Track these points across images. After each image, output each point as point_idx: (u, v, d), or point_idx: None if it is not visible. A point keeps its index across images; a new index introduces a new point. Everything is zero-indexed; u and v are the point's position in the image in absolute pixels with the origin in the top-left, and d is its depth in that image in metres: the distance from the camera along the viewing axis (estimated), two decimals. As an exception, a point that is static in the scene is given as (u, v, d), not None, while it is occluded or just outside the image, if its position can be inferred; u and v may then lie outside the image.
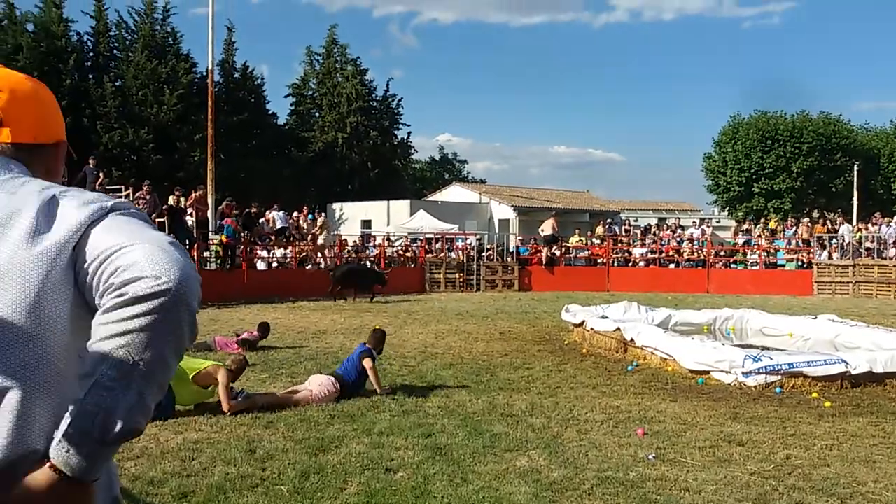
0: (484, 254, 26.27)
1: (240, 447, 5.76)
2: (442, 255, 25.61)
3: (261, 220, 22.20)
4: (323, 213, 25.95)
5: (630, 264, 26.56)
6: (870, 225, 26.75)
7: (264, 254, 21.73)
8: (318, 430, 6.32)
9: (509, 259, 25.91)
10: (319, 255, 22.32)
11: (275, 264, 21.86)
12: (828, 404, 7.49)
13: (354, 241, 27.11)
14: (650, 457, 5.68)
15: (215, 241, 20.21)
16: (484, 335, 12.78)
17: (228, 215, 20.17)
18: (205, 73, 33.54)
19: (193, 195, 19.91)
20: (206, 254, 20.15)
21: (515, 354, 10.71)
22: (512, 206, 42.55)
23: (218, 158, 26.68)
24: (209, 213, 21.18)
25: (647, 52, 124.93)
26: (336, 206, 41.94)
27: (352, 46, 59.45)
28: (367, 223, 38.12)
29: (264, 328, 10.94)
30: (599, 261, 25.98)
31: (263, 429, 6.34)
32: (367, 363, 7.68)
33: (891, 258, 23.65)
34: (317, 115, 48.57)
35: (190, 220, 19.51)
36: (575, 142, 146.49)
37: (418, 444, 5.93)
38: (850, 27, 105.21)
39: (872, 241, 24.61)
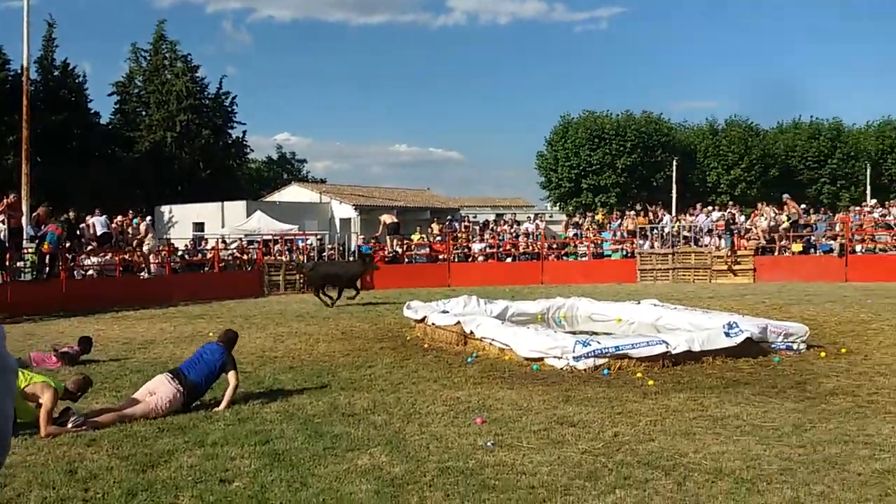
0: (325, 254, 25.92)
1: (59, 468, 5.32)
2: (281, 256, 25.03)
3: (81, 227, 20.69)
4: (149, 217, 24.57)
5: (470, 259, 27.12)
6: (687, 216, 28.76)
7: (88, 261, 20.28)
8: (146, 446, 5.95)
9: (351, 258, 25.73)
10: (146, 261, 21.05)
11: (94, 273, 20.42)
12: (651, 383, 7.94)
13: (185, 245, 25.94)
14: (489, 444, 5.78)
15: (30, 250, 18.65)
16: (325, 336, 12.58)
17: (45, 222, 18.66)
18: (20, 71, 30.88)
19: (5, 201, 18.26)
20: (20, 263, 18.56)
21: (357, 353, 10.61)
22: (353, 205, 42.31)
23: (34, 162, 24.67)
24: (23, 220, 19.51)
25: (483, 55, 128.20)
26: (165, 208, 39.97)
27: (183, 43, 56.85)
28: (199, 226, 36.54)
29: (86, 342, 10.18)
30: (440, 257, 26.34)
31: (85, 447, 5.89)
32: (232, 378, 7.28)
33: (706, 246, 25.55)
34: (143, 113, 46.12)
35: (1, 228, 17.87)
36: (415, 141, 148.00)
37: (255, 451, 5.72)
38: (670, 34, 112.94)
39: (690, 231, 26.49)
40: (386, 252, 25.18)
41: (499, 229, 29.49)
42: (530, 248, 27.27)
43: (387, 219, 25.18)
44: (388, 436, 6.13)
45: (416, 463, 5.37)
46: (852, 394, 7.28)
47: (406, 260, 26.06)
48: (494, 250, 27.39)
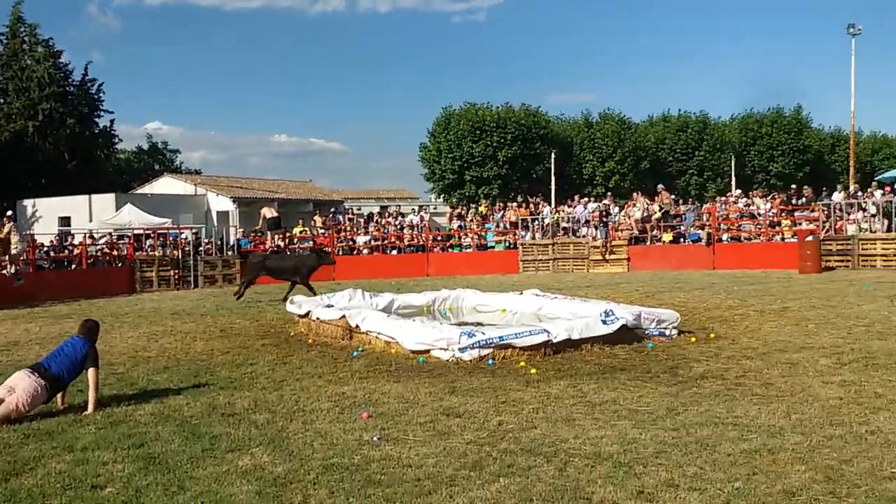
0: (201, 248, 25.05)
1: None
2: (154, 251, 24.00)
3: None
4: (10, 212, 22.99)
5: (355, 252, 26.92)
6: (566, 207, 29.58)
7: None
8: (10, 453, 5.58)
9: (230, 253, 25.00)
10: (16, 265, 19.58)
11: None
12: (533, 371, 8.10)
13: (50, 241, 24.44)
14: (375, 438, 5.73)
15: None
16: (203, 334, 12.15)
17: None
18: None
19: None
20: None
21: (238, 351, 10.30)
22: (231, 197, 41.13)
23: None
24: None
25: (364, 43, 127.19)
26: (28, 202, 37.59)
27: (43, 26, 53.29)
28: (65, 220, 34.53)
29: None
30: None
31: (-64, 460, 5.43)
32: (92, 375, 6.89)
33: (584, 236, 26.35)
34: (2, 102, 43.10)
35: None
36: (296, 130, 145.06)
37: (129, 455, 5.45)
38: (546, 25, 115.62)
39: (568, 222, 27.26)
40: (267, 246, 24.59)
41: (383, 222, 29.40)
42: (415, 240, 27.33)
43: (266, 212, 24.59)
44: (270, 435, 5.97)
45: (300, 461, 5.26)
46: (721, 377, 7.66)
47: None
48: (379, 243, 27.29)
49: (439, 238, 28.22)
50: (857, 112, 39.52)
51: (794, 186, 28.93)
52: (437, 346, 8.99)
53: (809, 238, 21.37)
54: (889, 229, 22.24)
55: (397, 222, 29.18)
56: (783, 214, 25.12)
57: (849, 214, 23.51)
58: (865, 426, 5.68)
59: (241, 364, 9.26)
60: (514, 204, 29.39)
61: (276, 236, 24.80)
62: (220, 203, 40.89)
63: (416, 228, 28.16)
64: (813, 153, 53.11)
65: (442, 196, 50.35)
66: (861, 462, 4.89)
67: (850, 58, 37.13)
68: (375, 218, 30.59)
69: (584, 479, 4.76)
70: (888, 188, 25.13)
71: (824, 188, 29.11)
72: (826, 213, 23.71)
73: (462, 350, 8.74)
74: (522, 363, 8.54)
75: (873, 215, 23.09)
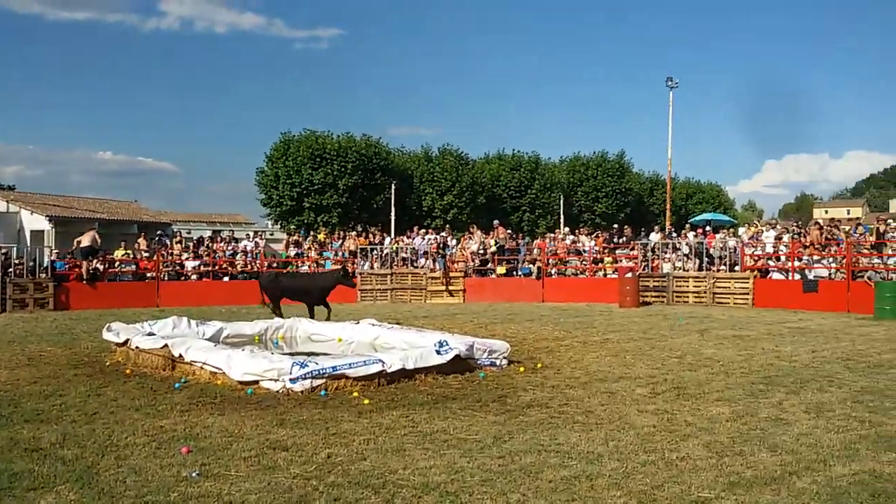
0: (11, 269, 23.03)
1: None
2: (-44, 272, 21.79)
3: None
4: None
5: (182, 277, 25.69)
6: (405, 238, 29.82)
7: None
8: None
9: (43, 275, 23.14)
10: None
11: None
12: (367, 402, 8.02)
13: None
14: (194, 474, 5.43)
15: None
16: (8, 362, 11.12)
17: None
18: None
19: None
20: None
21: (46, 381, 9.48)
22: (47, 216, 38.24)
23: None
24: None
25: (200, 63, 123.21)
26: None
27: None
28: None
29: None
30: (149, 275, 24.66)
31: None
32: None
33: (422, 266, 26.65)
34: None
35: None
36: (123, 148, 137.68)
37: None
38: (389, 59, 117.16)
39: (407, 252, 27.48)
40: (82, 271, 22.97)
41: (215, 246, 28.34)
42: (249, 266, 26.52)
43: (84, 239, 23.03)
44: (78, 471, 5.52)
45: (110, 499, 4.90)
46: (546, 405, 7.92)
47: (108, 278, 24.01)
48: (210, 268, 26.25)
49: (275, 265, 27.53)
50: (673, 159, 42.87)
51: (615, 226, 30.76)
52: (266, 377, 8.70)
53: (629, 275, 22.74)
54: (700, 268, 24.10)
55: (230, 247, 28.22)
56: (606, 252, 26.61)
57: (664, 253, 25.27)
58: (676, 452, 6.04)
59: (50, 395, 8.53)
60: (354, 233, 29.27)
61: (90, 262, 23.20)
62: (34, 222, 37.92)
63: (250, 254, 27.35)
64: (633, 195, 56.94)
65: (279, 223, 49.35)
66: (671, 487, 5.18)
67: (668, 108, 40.27)
68: (206, 242, 29.41)
69: (412, 511, 4.73)
70: (700, 230, 27.30)
71: (643, 228, 31.22)
72: (644, 251, 25.37)
73: (293, 381, 8.51)
74: (356, 393, 8.44)
75: (686, 255, 24.96)
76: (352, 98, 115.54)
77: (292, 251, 28.45)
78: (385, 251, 27.33)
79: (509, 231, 29.69)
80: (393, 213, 41.99)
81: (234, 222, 59.78)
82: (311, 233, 32.94)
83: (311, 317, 15.55)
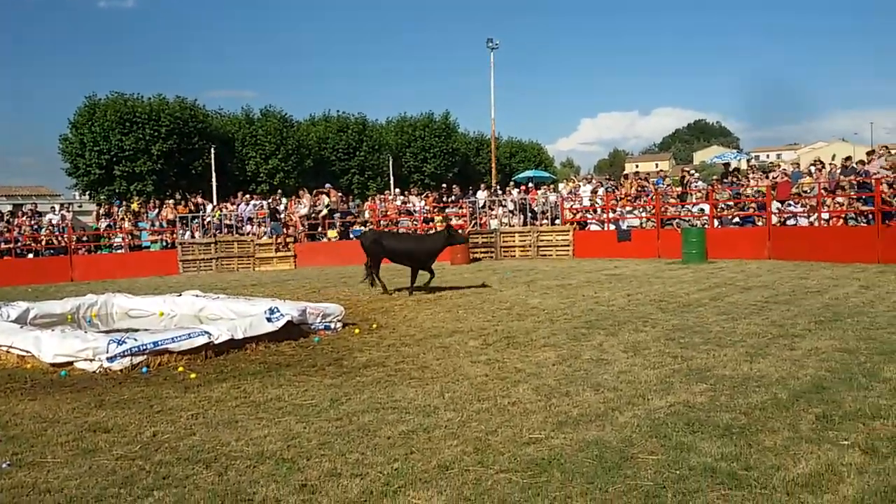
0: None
1: None
2: None
3: None
4: None
5: (-21, 257, 23.41)
6: (229, 204, 28.72)
7: None
8: None
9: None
10: None
11: None
12: (193, 376, 7.65)
13: None
14: (4, 465, 4.97)
15: None
16: None
17: None
18: None
19: None
20: None
21: None
22: None
23: None
24: None
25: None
26: None
27: None
28: None
29: None
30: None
31: None
32: None
33: (248, 234, 25.81)
34: None
35: None
36: None
37: None
38: (200, 21, 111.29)
39: (232, 220, 26.49)
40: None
41: (17, 222, 25.99)
42: (56, 241, 24.56)
43: None
44: None
45: None
46: (382, 364, 7.91)
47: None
48: (11, 245, 24.07)
49: (85, 238, 25.71)
50: (496, 119, 43.93)
51: (444, 185, 31.22)
52: (81, 357, 8.08)
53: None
54: (525, 223, 25.01)
55: (34, 222, 25.99)
56: (436, 211, 26.98)
57: (491, 210, 25.99)
58: (508, 398, 6.22)
59: None
60: (172, 201, 27.80)
61: None
62: None
63: (56, 228, 25.33)
64: (460, 155, 57.96)
65: (87, 193, 45.96)
66: (505, 431, 5.32)
67: (489, 69, 41.09)
68: (7, 217, 26.91)
69: (246, 481, 4.56)
70: (523, 187, 28.27)
71: (470, 187, 31.84)
72: (472, 209, 25.96)
73: (111, 359, 7.96)
74: (181, 368, 8.03)
75: (511, 211, 25.81)
76: (163, 60, 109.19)
77: (103, 223, 26.66)
78: (207, 219, 26.21)
79: (340, 194, 29.35)
80: (214, 179, 40.19)
81: (37, 195, 55.11)
82: (125, 203, 30.94)
83: (413, 283, 14.60)
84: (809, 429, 5.06)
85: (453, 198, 27.72)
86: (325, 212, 26.55)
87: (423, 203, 27.73)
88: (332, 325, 10.31)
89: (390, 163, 50.39)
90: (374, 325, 10.63)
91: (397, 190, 34.05)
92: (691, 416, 5.46)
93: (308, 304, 10.58)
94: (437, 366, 7.70)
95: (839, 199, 18.53)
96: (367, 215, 26.84)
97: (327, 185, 28.78)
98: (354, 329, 10.30)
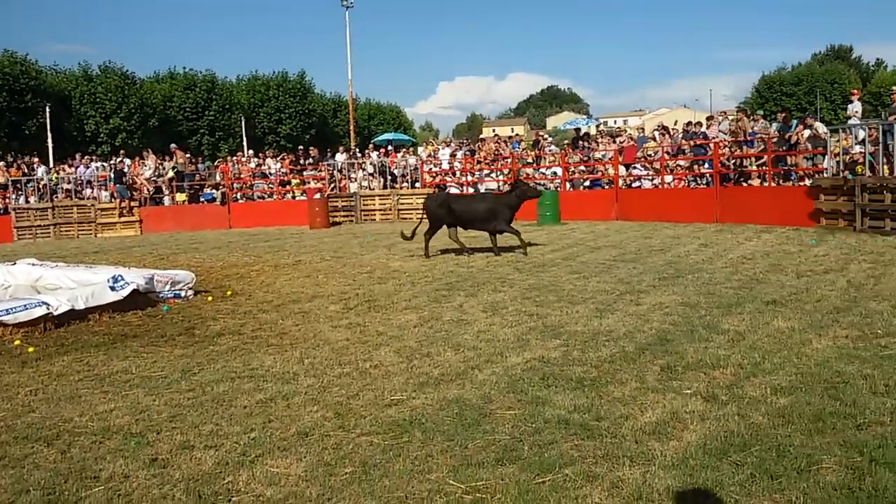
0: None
1: None
2: None
3: None
4: None
5: None
6: (66, 166, 26.85)
7: None
8: None
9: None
10: None
11: None
12: (31, 350, 7.12)
13: None
14: None
15: None
16: None
17: None
18: None
19: None
20: None
21: None
22: None
23: None
24: None
25: None
26: None
27: None
28: None
29: None
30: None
31: None
32: None
33: (89, 198, 24.25)
34: None
35: None
36: None
37: None
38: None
39: (70, 183, 24.78)
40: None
41: None
42: None
43: None
44: None
45: None
46: (238, 332, 7.66)
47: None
48: None
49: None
50: (354, 80, 43.27)
51: (301, 147, 30.60)
52: None
53: (317, 196, 22.81)
54: (385, 186, 24.90)
55: None
56: (293, 174, 26.37)
57: (351, 174, 25.69)
58: (369, 362, 6.18)
59: None
60: (3, 164, 25.65)
61: None
62: None
63: None
64: (317, 117, 56.84)
65: None
66: (366, 394, 5.28)
67: (345, 28, 40.30)
68: None
69: (92, 458, 4.28)
70: (382, 150, 28.09)
71: (328, 150, 31.32)
72: (331, 172, 25.56)
73: (-67, 334, 7.27)
74: (18, 342, 7.45)
75: (371, 174, 25.62)
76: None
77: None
78: (43, 182, 24.40)
79: (188, 155, 28.05)
80: (50, 140, 37.40)
81: None
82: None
83: (495, 245, 13.41)
84: (655, 379, 5.34)
85: (311, 160, 27.17)
86: (171, 174, 25.33)
87: (279, 165, 27.01)
88: (183, 293, 9.88)
89: (243, 123, 48.75)
90: (229, 292, 10.28)
91: (251, 152, 32.93)
92: (546, 371, 5.62)
93: (156, 271, 10.09)
94: (297, 332, 7.55)
95: (681, 163, 19.61)
96: (218, 178, 25.84)
97: (172, 146, 27.39)
98: (207, 297, 9.93)
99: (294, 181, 26.09)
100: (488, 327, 7.28)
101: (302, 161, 27.25)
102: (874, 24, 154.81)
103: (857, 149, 15.20)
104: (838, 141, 15.74)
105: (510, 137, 27.55)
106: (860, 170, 14.64)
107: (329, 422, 4.75)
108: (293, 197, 25.47)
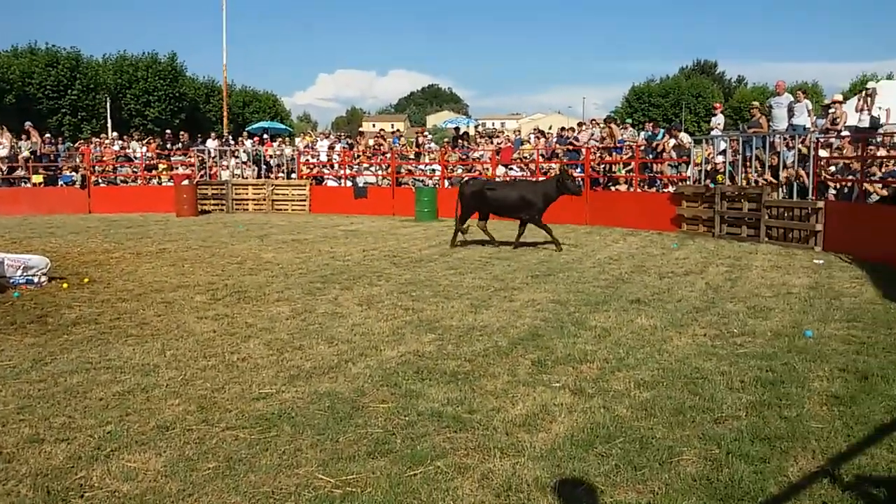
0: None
1: None
2: None
3: None
4: None
5: None
6: None
7: None
8: None
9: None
10: None
11: None
12: None
13: None
14: None
15: None
16: None
17: None
18: None
19: None
20: None
21: None
22: None
23: None
24: None
25: None
26: None
27: None
28: None
29: None
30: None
31: None
32: None
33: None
34: None
35: None
36: None
37: None
38: None
39: None
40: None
41: None
42: None
43: None
44: None
45: None
46: (95, 321, 7.21)
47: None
48: None
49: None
50: (229, 65, 41.88)
51: (169, 132, 29.27)
52: None
53: (185, 182, 21.93)
54: (259, 176, 24.24)
55: None
56: (160, 159, 25.24)
57: (223, 161, 24.85)
58: (237, 354, 5.95)
59: None
60: None
61: None
62: None
63: None
64: (189, 101, 54.64)
65: None
66: (232, 388, 5.08)
67: (221, 12, 38.88)
68: None
69: (-79, 457, 3.89)
70: (257, 138, 27.33)
71: (200, 135, 30.11)
72: (201, 158, 24.63)
73: None
74: None
75: (245, 163, 24.87)
76: None
77: None
78: None
79: (47, 135, 26.25)
80: None
81: None
82: None
83: (519, 237, 13.19)
84: (526, 373, 5.42)
85: (180, 145, 26.08)
86: (25, 154, 23.66)
87: (144, 149, 25.78)
88: (36, 279, 9.24)
89: (108, 104, 46.25)
90: (86, 280, 9.68)
91: (115, 134, 31.24)
92: (420, 365, 5.60)
93: (6, 255, 9.39)
94: (159, 322, 7.19)
95: (554, 166, 20.14)
96: (78, 160, 24.36)
97: (27, 124, 25.54)
98: (62, 283, 9.32)
99: (161, 166, 24.98)
100: (363, 321, 7.19)
101: (170, 145, 26.10)
102: (738, 42, 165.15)
103: (719, 159, 16.08)
104: (701, 151, 16.62)
105: (392, 133, 27.41)
106: (721, 179, 15.52)
107: (192, 415, 4.53)
108: (159, 182, 24.39)
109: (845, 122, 14.86)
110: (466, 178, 18.12)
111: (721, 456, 3.88)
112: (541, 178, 17.28)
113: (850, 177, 13.35)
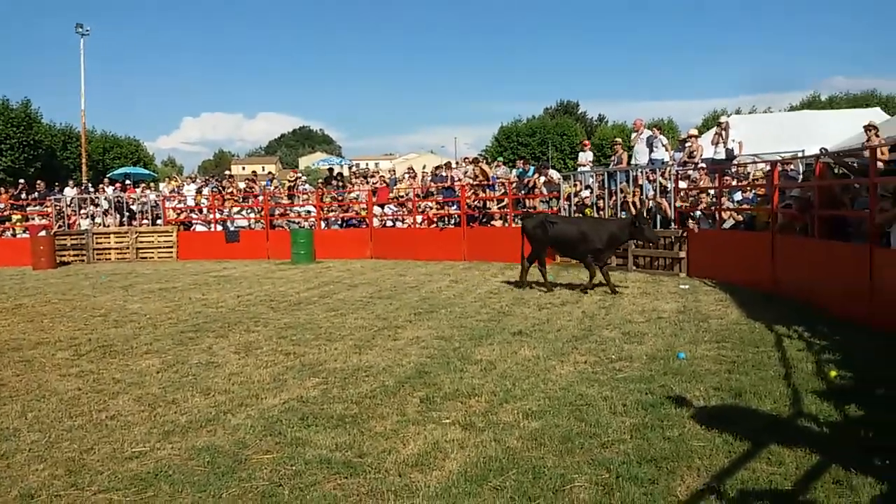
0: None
1: None
2: None
3: None
4: None
5: None
6: None
7: None
8: None
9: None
10: None
11: None
12: None
13: None
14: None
15: None
16: None
17: None
18: None
19: None
20: None
21: None
22: None
23: None
24: None
25: None
26: None
27: None
28: None
29: None
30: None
31: None
32: None
33: None
34: None
35: None
36: None
37: None
38: None
39: None
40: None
41: None
42: None
43: None
44: None
45: None
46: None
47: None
48: None
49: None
50: (88, 111, 40.05)
51: (22, 181, 27.59)
52: None
53: (42, 233, 20.65)
54: (121, 223, 23.14)
55: None
56: (14, 210, 23.70)
57: (82, 209, 23.58)
58: (105, 412, 5.56)
59: None
60: None
61: None
62: None
63: None
64: (45, 148, 51.73)
65: None
66: (103, 448, 4.73)
67: (80, 57, 37.32)
68: None
69: None
70: (119, 185, 26.14)
71: (57, 183, 28.49)
72: (59, 208, 23.29)
73: None
74: None
75: (106, 211, 23.69)
76: None
77: None
78: None
79: None
80: None
81: None
82: None
83: (592, 277, 11.67)
84: (415, 411, 5.33)
85: (36, 194, 24.59)
86: None
87: (-4, 200, 24.13)
88: None
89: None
90: (-69, 341, 8.86)
91: (-36, 184, 29.12)
92: (305, 411, 5.41)
93: None
94: (17, 382, 6.63)
95: (429, 203, 20.33)
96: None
97: None
98: None
99: (15, 217, 23.43)
100: (241, 369, 6.90)
101: (25, 195, 24.56)
102: (598, 84, 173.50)
103: (586, 193, 16.69)
104: (570, 186, 17.19)
105: (266, 175, 26.88)
106: (589, 212, 16.09)
107: (59, 480, 4.17)
108: (13, 234, 22.84)
109: (701, 155, 15.80)
110: (525, 212, 16.48)
111: (611, 480, 3.92)
112: (614, 217, 15.33)
113: (709, 206, 14.16)
